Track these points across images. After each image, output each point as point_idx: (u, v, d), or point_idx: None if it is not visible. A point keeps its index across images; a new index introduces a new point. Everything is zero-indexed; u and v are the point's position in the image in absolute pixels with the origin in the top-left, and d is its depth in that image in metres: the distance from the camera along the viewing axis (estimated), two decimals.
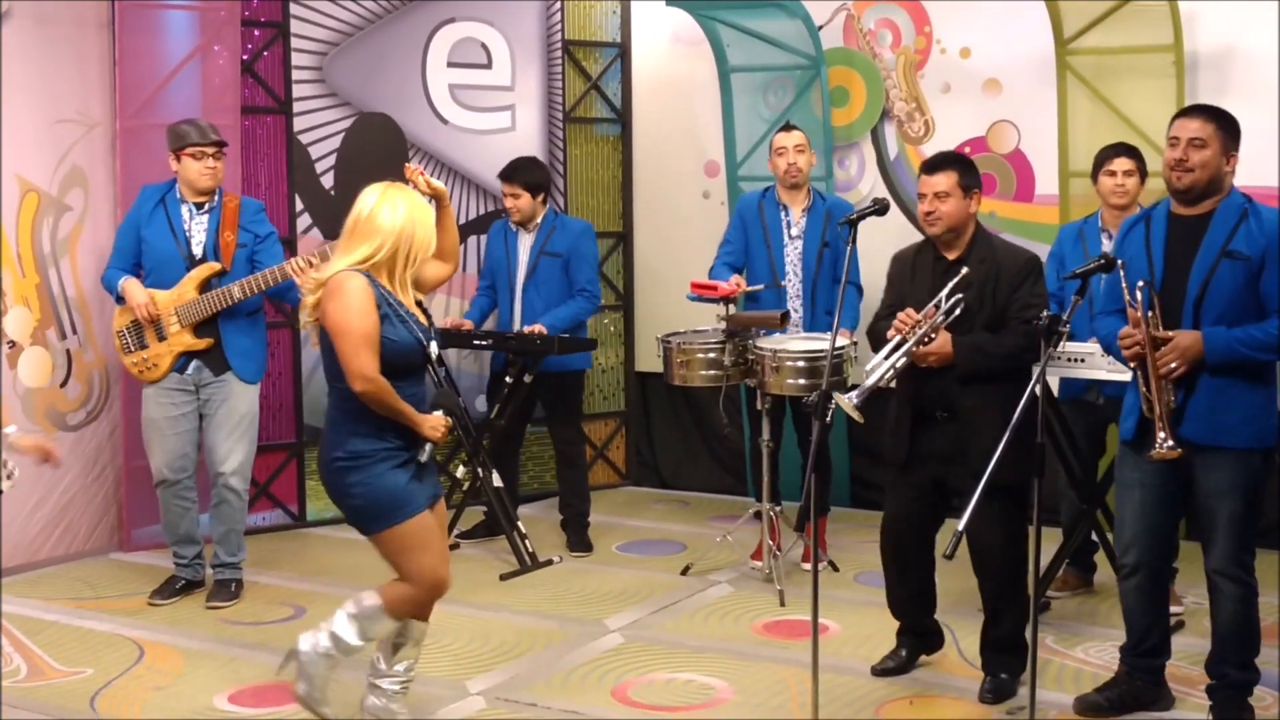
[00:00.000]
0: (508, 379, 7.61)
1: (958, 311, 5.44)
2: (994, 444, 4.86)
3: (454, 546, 7.89)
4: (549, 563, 7.57)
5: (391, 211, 4.85)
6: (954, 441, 5.49)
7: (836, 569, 7.38)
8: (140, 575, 7.42)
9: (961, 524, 4.58)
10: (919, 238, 7.87)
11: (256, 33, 8.24)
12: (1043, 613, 6.36)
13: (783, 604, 6.83)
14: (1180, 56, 7.44)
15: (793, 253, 7.43)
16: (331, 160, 8.51)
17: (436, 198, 5.22)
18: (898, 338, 5.44)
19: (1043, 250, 7.04)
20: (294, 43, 8.33)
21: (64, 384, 7.65)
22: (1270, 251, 4.91)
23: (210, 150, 6.77)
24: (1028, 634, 5.02)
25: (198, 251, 6.81)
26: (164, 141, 6.93)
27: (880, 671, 5.84)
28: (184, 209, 6.86)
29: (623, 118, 9.60)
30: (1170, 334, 4.93)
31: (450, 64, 8.85)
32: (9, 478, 5.05)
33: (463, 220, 8.88)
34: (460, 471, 7.93)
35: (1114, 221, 6.62)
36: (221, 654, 6.25)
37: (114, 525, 7.93)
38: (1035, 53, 8.02)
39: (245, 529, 7.12)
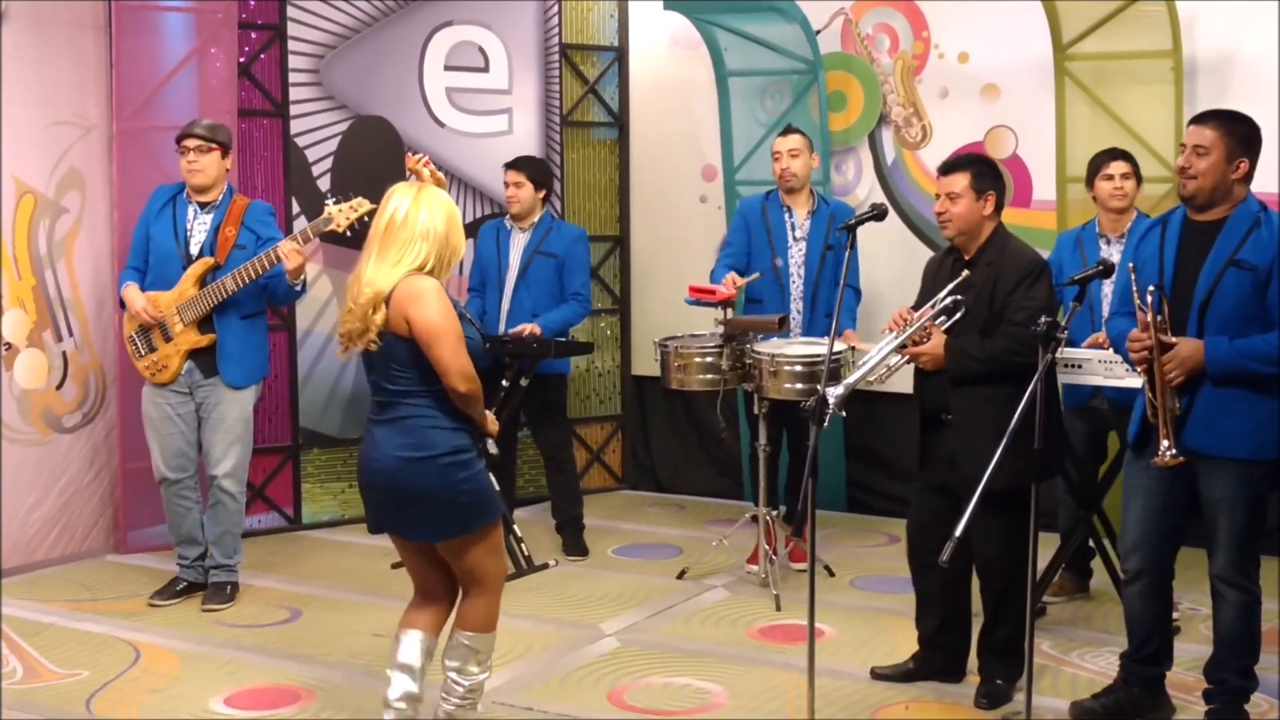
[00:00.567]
0: (504, 382, 7.60)
1: (959, 313, 5.44)
2: (984, 449, 4.86)
3: None
4: (545, 566, 7.56)
5: (429, 214, 4.78)
6: (952, 446, 5.49)
7: (832, 573, 7.37)
8: (137, 577, 7.41)
9: (958, 530, 4.57)
10: (917, 243, 7.90)
11: (253, 35, 8.24)
12: (1039, 618, 6.36)
13: (779, 608, 6.82)
14: (1179, 62, 7.44)
15: (796, 255, 7.43)
16: (328, 163, 8.50)
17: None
18: (891, 334, 5.43)
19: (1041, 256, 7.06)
20: (291, 45, 8.32)
21: (60, 386, 7.64)
22: (1279, 262, 4.89)
23: (191, 145, 6.77)
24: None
25: (195, 250, 6.81)
26: (160, 144, 6.99)
27: (880, 675, 5.83)
28: (190, 208, 6.87)
29: (620, 121, 9.60)
30: (1174, 340, 4.93)
31: (447, 67, 8.85)
32: None
33: None
34: None
35: (1111, 227, 6.63)
36: (218, 656, 6.24)
37: (110, 527, 7.92)
38: (1034, 58, 8.02)
39: (242, 532, 7.12)
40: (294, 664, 6.13)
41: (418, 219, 4.77)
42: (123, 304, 6.92)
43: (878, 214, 5.62)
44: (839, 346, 6.68)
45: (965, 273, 5.45)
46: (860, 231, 5.58)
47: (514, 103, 9.07)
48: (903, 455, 7.66)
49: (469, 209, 8.93)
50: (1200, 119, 5.08)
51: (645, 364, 9.15)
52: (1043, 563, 6.10)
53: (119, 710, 5.62)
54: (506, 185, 7.75)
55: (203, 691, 5.81)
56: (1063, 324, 4.83)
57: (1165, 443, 4.88)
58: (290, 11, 8.30)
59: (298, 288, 6.79)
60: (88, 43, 7.70)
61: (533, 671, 6.01)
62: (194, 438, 6.94)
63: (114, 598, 7.12)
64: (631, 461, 9.75)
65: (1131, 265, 5.02)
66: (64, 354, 7.66)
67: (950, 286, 5.44)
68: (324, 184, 8.45)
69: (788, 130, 7.55)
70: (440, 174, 5.23)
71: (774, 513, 7.27)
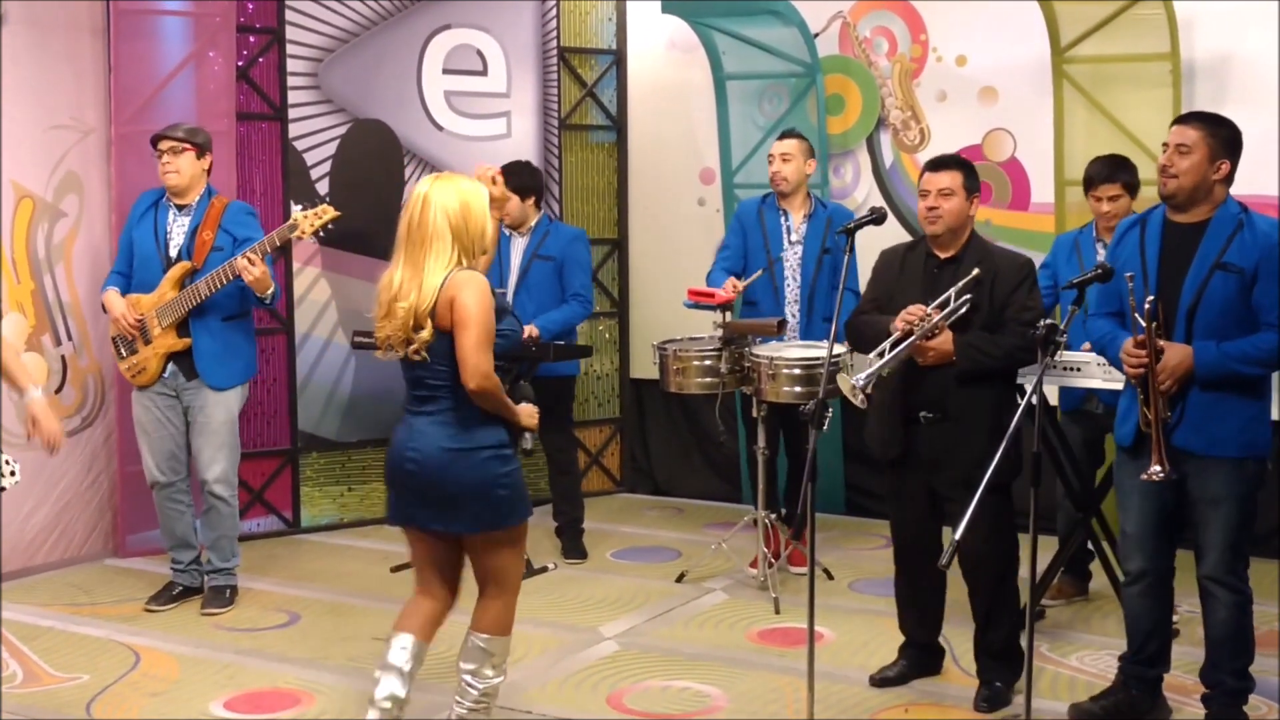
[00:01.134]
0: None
1: (962, 310, 5.44)
2: (982, 448, 4.88)
3: None
4: (544, 570, 7.56)
5: (443, 207, 4.76)
6: (941, 445, 5.49)
7: (831, 576, 7.37)
8: (135, 581, 7.41)
9: (957, 533, 4.57)
10: None
11: (252, 39, 8.24)
12: (1038, 621, 6.36)
13: (778, 611, 6.82)
14: (1177, 64, 7.44)
15: (792, 258, 7.43)
16: (327, 167, 8.50)
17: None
18: (902, 329, 5.40)
19: (1038, 259, 7.05)
20: (289, 49, 8.32)
21: (59, 390, 7.64)
22: (1264, 264, 4.90)
23: (164, 147, 6.79)
24: (1022, 641, 5.02)
25: (174, 253, 6.82)
26: None
27: (879, 681, 5.83)
28: (170, 212, 6.89)
29: (618, 124, 9.60)
30: (1161, 344, 4.94)
31: (446, 70, 8.85)
32: (12, 474, 5.08)
33: None
34: None
35: (1109, 233, 6.61)
36: (217, 660, 6.24)
37: (109, 531, 7.92)
38: (1032, 60, 8.02)
39: (239, 535, 7.12)
40: (293, 667, 6.13)
41: (433, 215, 4.76)
42: (104, 307, 6.94)
43: (877, 218, 5.63)
44: (838, 350, 6.67)
45: (976, 271, 5.43)
46: (859, 235, 5.58)
47: (512, 106, 9.07)
48: None
49: None
50: (1184, 119, 5.12)
51: (644, 367, 9.16)
52: (1041, 566, 6.12)
53: (119, 714, 5.62)
54: None
55: (202, 695, 5.81)
56: (1062, 327, 4.83)
57: (1156, 468, 4.90)
58: (289, 15, 8.30)
59: (266, 300, 6.77)
60: (86, 46, 7.70)
61: (532, 675, 6.01)
62: (184, 441, 6.94)
63: (113, 602, 7.12)
64: (630, 465, 9.75)
65: (1129, 276, 5.00)
66: (63, 358, 7.66)
67: (961, 284, 5.43)
68: (323, 187, 8.45)
69: (785, 134, 7.55)
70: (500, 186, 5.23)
71: (772, 516, 7.27)
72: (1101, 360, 5.97)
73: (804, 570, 7.00)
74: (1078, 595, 6.94)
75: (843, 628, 6.58)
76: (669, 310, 8.59)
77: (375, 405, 8.66)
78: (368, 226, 8.37)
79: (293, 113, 8.36)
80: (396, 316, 4.73)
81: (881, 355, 5.34)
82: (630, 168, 9.62)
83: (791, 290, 7.43)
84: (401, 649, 4.95)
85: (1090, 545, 6.69)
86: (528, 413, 4.92)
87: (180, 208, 6.87)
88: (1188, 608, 6.46)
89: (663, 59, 9.45)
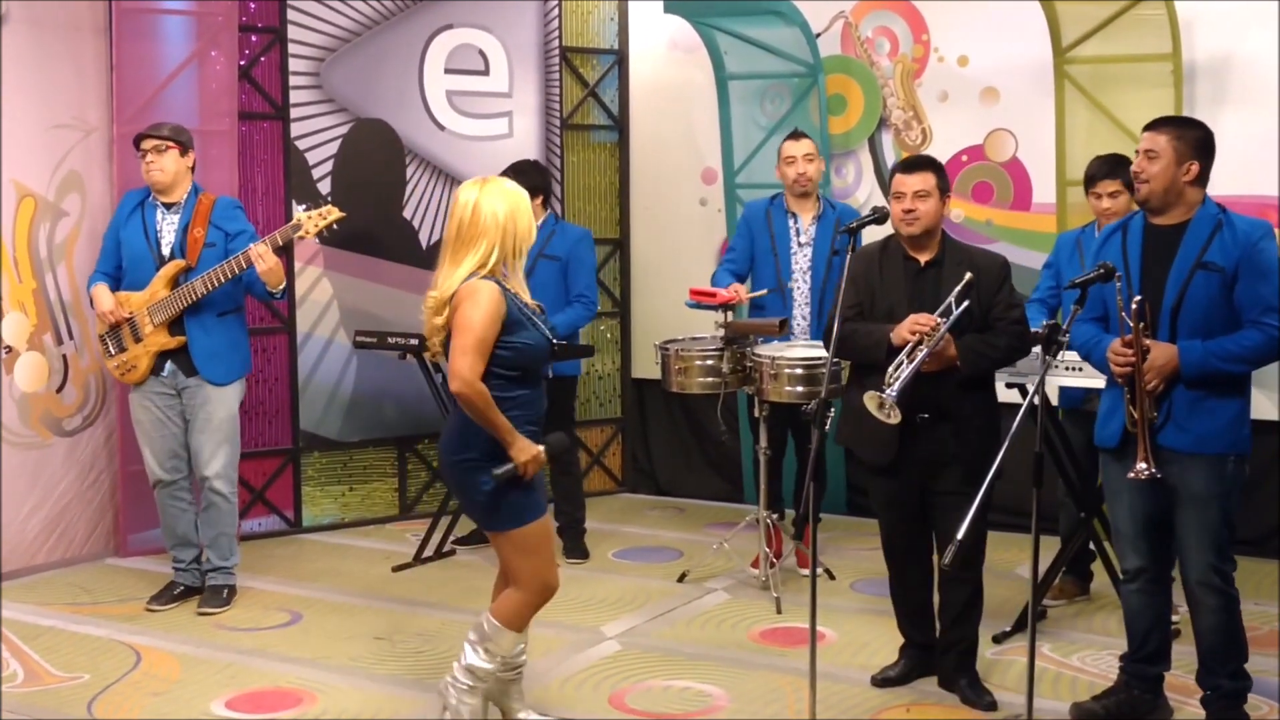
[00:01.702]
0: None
1: (956, 314, 5.43)
2: (981, 448, 4.90)
3: (450, 553, 7.91)
4: None
5: (491, 207, 4.86)
6: (941, 446, 5.49)
7: (833, 576, 7.37)
8: (137, 580, 7.42)
9: (960, 533, 4.58)
10: None
11: (254, 38, 8.24)
12: (1040, 621, 6.37)
13: (779, 611, 6.82)
14: (1178, 65, 7.44)
15: (801, 260, 7.43)
16: (329, 166, 8.50)
17: None
18: (913, 339, 5.38)
19: (1042, 259, 7.06)
20: (291, 48, 8.32)
21: (60, 389, 7.65)
22: (1244, 262, 4.95)
23: (147, 147, 6.79)
24: (1024, 642, 5.02)
25: (166, 251, 6.82)
26: None
27: (880, 681, 5.83)
28: (158, 211, 6.88)
29: (620, 124, 9.60)
30: (1147, 343, 4.96)
31: (448, 70, 8.85)
32: None
33: None
34: None
35: None
36: (218, 660, 6.23)
37: (110, 530, 7.92)
38: (1033, 61, 8.02)
39: (240, 534, 7.11)
40: (295, 667, 6.13)
41: (481, 215, 4.86)
42: (92, 303, 6.94)
43: (879, 217, 5.62)
44: None
45: (969, 276, 5.43)
46: (865, 235, 5.58)
47: (514, 106, 9.07)
48: None
49: None
50: (1151, 125, 5.16)
51: (645, 367, 9.17)
52: (1043, 567, 6.12)
53: (120, 713, 5.62)
54: None
55: (203, 694, 5.81)
56: (1064, 327, 4.84)
57: (1142, 465, 4.93)
58: (290, 14, 8.31)
59: (277, 295, 6.79)
60: (88, 46, 7.70)
61: (534, 675, 6.00)
62: (185, 439, 6.93)
63: (114, 601, 7.12)
64: (631, 465, 9.75)
65: (1118, 274, 5.01)
66: (64, 357, 7.66)
67: (958, 290, 5.42)
68: (324, 187, 8.45)
69: (798, 134, 7.54)
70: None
71: (774, 516, 7.27)
72: None
73: (808, 571, 7.03)
74: (1079, 595, 6.94)
75: (844, 628, 6.58)
76: (671, 310, 8.59)
77: (377, 405, 8.67)
78: (370, 226, 8.37)
79: (294, 112, 8.36)
80: (428, 308, 4.92)
81: (899, 367, 5.34)
82: (632, 168, 9.62)
83: (801, 292, 7.43)
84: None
85: (1092, 545, 6.69)
86: (529, 453, 4.91)
87: (168, 206, 6.87)
88: (1186, 609, 6.46)
89: (664, 59, 9.45)
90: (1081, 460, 6.60)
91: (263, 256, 6.57)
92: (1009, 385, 6.27)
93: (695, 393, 7.18)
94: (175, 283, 6.74)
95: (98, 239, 7.68)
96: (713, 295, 7.04)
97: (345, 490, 8.70)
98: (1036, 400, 4.72)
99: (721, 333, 7.00)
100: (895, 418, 5.26)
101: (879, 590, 6.96)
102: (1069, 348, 5.41)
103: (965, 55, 8.43)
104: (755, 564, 7.38)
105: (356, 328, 8.09)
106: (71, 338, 7.69)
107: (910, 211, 5.51)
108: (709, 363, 6.98)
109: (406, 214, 8.74)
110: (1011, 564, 7.45)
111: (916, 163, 5.61)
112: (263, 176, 8.30)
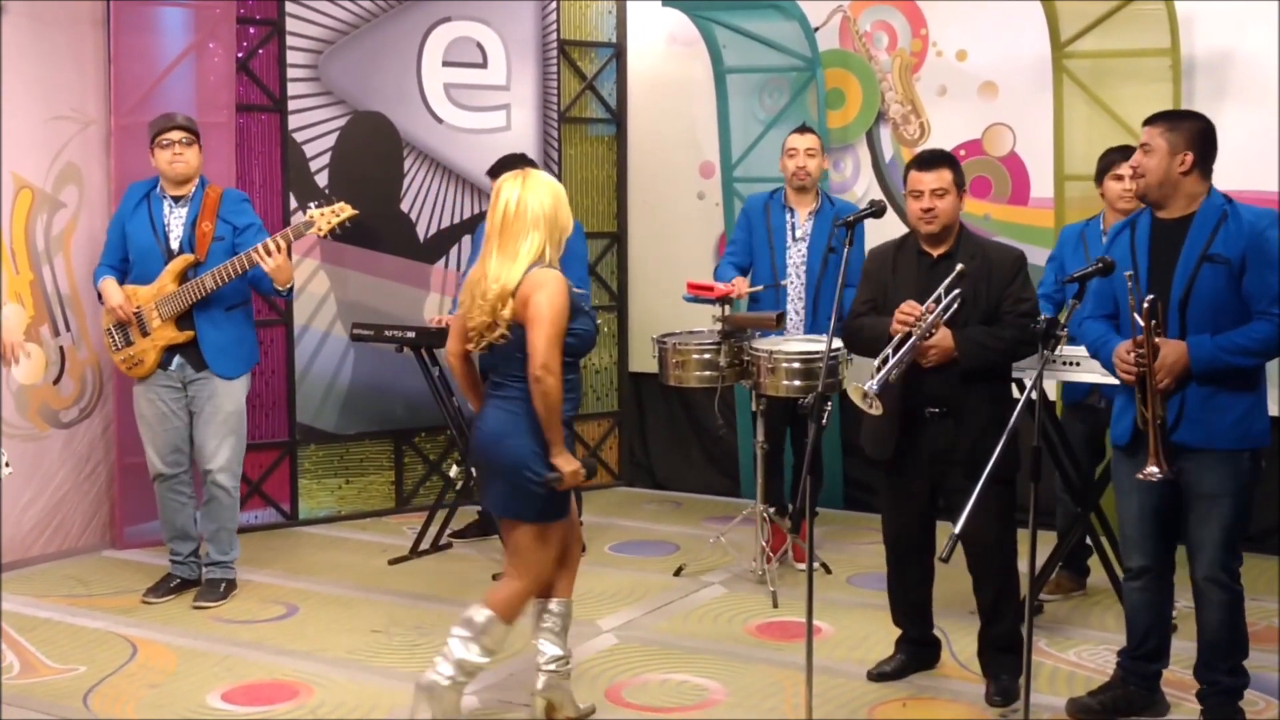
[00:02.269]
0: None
1: (954, 307, 5.42)
2: (986, 442, 4.89)
3: (447, 546, 7.91)
4: None
5: (538, 200, 5.00)
6: (948, 440, 5.47)
7: (829, 571, 7.37)
8: (133, 573, 7.41)
9: (957, 527, 4.57)
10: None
11: (252, 30, 8.24)
12: (1036, 615, 6.36)
13: (776, 605, 6.82)
14: (1177, 60, 7.44)
15: (795, 255, 7.42)
16: (326, 159, 8.50)
17: None
18: (903, 332, 5.40)
19: (1040, 253, 7.06)
20: (289, 41, 8.32)
21: (57, 381, 7.64)
22: (1250, 253, 4.91)
23: (176, 138, 6.77)
24: (1022, 631, 5.02)
25: (175, 245, 6.80)
26: None
27: (876, 676, 5.83)
28: (165, 203, 6.86)
29: (618, 118, 9.59)
30: (1156, 342, 4.93)
31: (445, 63, 8.84)
32: (6, 465, 5.09)
33: (457, 219, 8.89)
34: (454, 471, 7.92)
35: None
36: (214, 652, 6.23)
37: (106, 522, 7.92)
38: (1032, 56, 8.02)
39: (238, 527, 7.10)
40: (291, 660, 6.13)
41: (528, 208, 4.98)
42: (100, 297, 6.93)
43: (875, 211, 5.61)
44: (837, 345, 6.67)
45: (960, 267, 5.42)
46: (859, 230, 5.57)
47: (512, 99, 9.07)
48: None
49: (466, 205, 8.94)
50: (1146, 121, 5.15)
51: (643, 361, 9.16)
52: (1040, 560, 6.12)
53: (116, 706, 5.62)
54: None
55: (200, 687, 5.81)
56: (1062, 321, 4.83)
57: (1153, 468, 4.89)
58: (289, 7, 8.31)
59: (283, 293, 6.80)
60: (86, 38, 7.70)
61: (530, 667, 5.98)
62: (188, 433, 6.93)
63: (110, 593, 7.12)
64: (628, 458, 9.75)
65: (1129, 274, 4.99)
66: (61, 349, 7.66)
67: (948, 281, 5.41)
68: (322, 179, 8.45)
69: (805, 129, 7.53)
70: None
71: (770, 509, 7.26)
72: None
73: (804, 565, 7.05)
74: (1076, 590, 6.94)
75: (841, 622, 6.58)
76: (668, 304, 8.59)
77: (373, 398, 8.67)
78: (367, 219, 8.35)
79: (292, 105, 8.36)
80: (487, 300, 4.97)
81: (886, 360, 5.33)
82: (630, 161, 9.61)
83: (795, 288, 7.42)
84: (544, 613, 5.32)
85: (1089, 540, 6.69)
86: (572, 462, 5.05)
87: (176, 199, 6.86)
88: (1185, 603, 6.44)
89: (663, 52, 9.44)
90: (1080, 455, 6.60)
91: (271, 254, 6.56)
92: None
93: (693, 387, 7.18)
94: (183, 277, 6.73)
95: (95, 231, 7.68)
96: (710, 289, 7.04)
97: (342, 483, 8.70)
98: (1034, 395, 4.72)
99: (719, 327, 7.00)
100: (876, 409, 5.28)
101: (875, 585, 6.97)
102: (1076, 341, 5.41)
103: (964, 50, 8.43)
104: (770, 557, 7.27)
105: (354, 320, 8.08)
106: (69, 330, 7.68)
107: (929, 210, 5.48)
108: (706, 357, 6.97)
109: (404, 207, 8.73)
110: None
111: (933, 159, 5.57)
112: (260, 169, 8.30)
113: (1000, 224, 8.23)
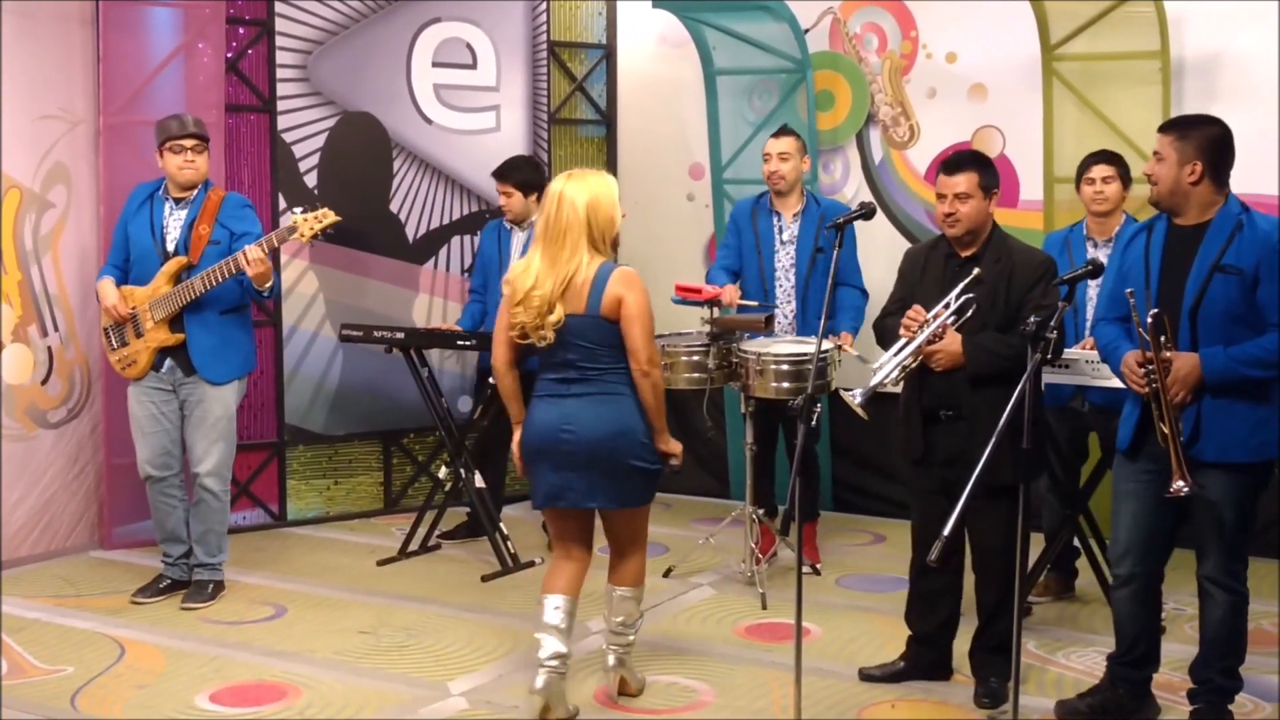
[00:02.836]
0: (491, 379, 7.58)
1: (969, 311, 5.41)
2: (997, 446, 4.90)
3: (435, 547, 7.90)
4: (531, 564, 7.55)
5: (574, 203, 5.18)
6: (960, 443, 5.44)
7: (818, 573, 7.37)
8: (121, 573, 7.39)
9: (946, 529, 4.57)
10: (905, 243, 7.87)
11: (241, 30, 8.22)
12: (1024, 618, 6.36)
13: (764, 607, 6.82)
14: (1167, 62, 7.45)
15: (784, 258, 7.41)
16: (315, 159, 8.48)
17: None
18: (904, 335, 5.40)
19: None
20: (279, 41, 8.30)
21: (45, 381, 7.62)
22: (1265, 264, 4.88)
23: (189, 144, 6.76)
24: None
25: (170, 246, 6.80)
26: (147, 138, 6.99)
27: (868, 677, 5.82)
28: (166, 205, 6.86)
29: (608, 119, 9.59)
30: (1168, 355, 4.91)
31: (435, 64, 8.83)
32: None
33: (446, 220, 8.87)
34: (443, 472, 7.91)
35: (1099, 230, 6.64)
36: (203, 653, 6.22)
37: (95, 523, 7.90)
38: (1022, 58, 8.02)
39: (227, 529, 7.08)
40: (279, 661, 6.12)
41: (566, 212, 5.18)
42: (97, 296, 6.92)
43: (865, 212, 5.60)
44: (826, 346, 6.67)
45: (976, 270, 5.41)
46: (856, 231, 5.56)
47: (501, 100, 9.05)
48: (889, 455, 7.64)
49: (457, 206, 8.92)
50: (1161, 128, 5.15)
51: None
52: (1028, 563, 6.12)
53: (104, 707, 5.61)
54: (499, 194, 7.76)
55: (188, 688, 5.80)
56: (1051, 324, 4.82)
57: (1179, 483, 4.82)
58: (278, 7, 8.29)
59: (265, 294, 6.78)
60: (75, 37, 7.68)
61: (518, 669, 6.00)
62: (179, 436, 6.92)
63: (98, 594, 7.10)
64: None
65: (1130, 292, 4.97)
66: (49, 349, 7.64)
67: (962, 285, 5.41)
68: (311, 180, 8.43)
69: (781, 132, 7.52)
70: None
71: (759, 511, 7.25)
72: (1091, 358, 5.97)
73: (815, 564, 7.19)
74: (1064, 592, 6.94)
75: (830, 623, 6.58)
76: (657, 305, 8.47)
77: (362, 398, 8.65)
78: (356, 220, 8.34)
79: (281, 105, 8.34)
80: (532, 304, 5.21)
81: (890, 362, 5.36)
82: (619, 163, 9.60)
83: (784, 290, 7.41)
84: (555, 609, 5.44)
85: (1077, 542, 6.69)
86: (678, 444, 5.47)
87: (178, 201, 6.85)
88: (1174, 605, 6.47)
89: (653, 54, 9.44)
90: (1067, 456, 6.61)
91: (253, 262, 6.55)
92: None
93: (681, 388, 7.16)
94: (177, 279, 6.73)
95: (84, 231, 7.68)
96: (699, 291, 7.03)
97: (330, 484, 8.69)
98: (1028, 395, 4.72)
99: (707, 329, 6.99)
100: (861, 414, 5.39)
101: (865, 586, 6.99)
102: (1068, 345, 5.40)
103: (953, 52, 8.43)
104: (759, 559, 7.26)
105: (342, 321, 8.07)
106: (56, 330, 7.66)
107: (951, 214, 5.47)
108: (695, 358, 6.96)
109: (393, 208, 8.72)
110: None
111: (959, 162, 5.54)
112: (249, 169, 8.28)
113: None
